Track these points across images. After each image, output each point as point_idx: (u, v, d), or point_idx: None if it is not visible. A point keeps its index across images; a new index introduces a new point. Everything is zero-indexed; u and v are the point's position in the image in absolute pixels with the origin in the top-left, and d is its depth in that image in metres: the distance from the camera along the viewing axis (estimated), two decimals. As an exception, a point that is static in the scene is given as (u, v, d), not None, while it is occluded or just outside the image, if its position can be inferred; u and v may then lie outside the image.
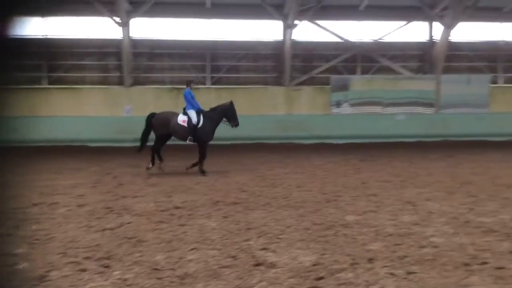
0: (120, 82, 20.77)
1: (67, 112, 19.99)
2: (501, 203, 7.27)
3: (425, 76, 22.05)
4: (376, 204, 7.32)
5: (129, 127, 18.42)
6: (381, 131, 21.16)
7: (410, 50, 22.44)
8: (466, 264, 4.23)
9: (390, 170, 11.87)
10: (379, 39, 21.82)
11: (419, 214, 6.50)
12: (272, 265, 4.28)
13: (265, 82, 21.92)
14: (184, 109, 11.43)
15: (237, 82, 21.71)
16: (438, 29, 21.54)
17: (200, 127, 11.19)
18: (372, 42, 21.87)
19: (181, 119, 11.26)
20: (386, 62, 21.89)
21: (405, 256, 4.50)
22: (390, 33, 21.81)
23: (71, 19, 20.64)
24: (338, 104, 21.69)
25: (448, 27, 20.59)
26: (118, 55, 20.69)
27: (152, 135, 11.60)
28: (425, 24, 22.08)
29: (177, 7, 20.48)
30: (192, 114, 11.24)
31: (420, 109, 22.00)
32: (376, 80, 21.88)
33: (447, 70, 22.19)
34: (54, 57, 20.59)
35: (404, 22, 21.76)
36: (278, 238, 5.25)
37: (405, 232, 5.50)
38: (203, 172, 10.99)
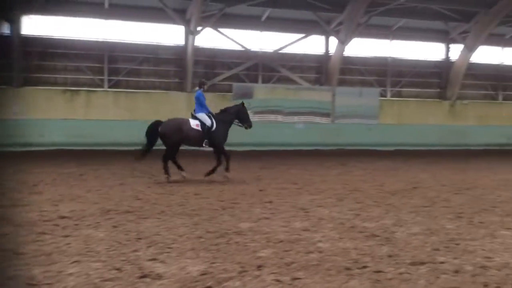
0: (9, 82, 19.16)
1: None
2: (385, 209, 7.77)
3: (322, 87, 23.09)
4: (271, 211, 7.45)
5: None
6: (282, 139, 21.76)
7: (308, 62, 23.40)
8: (348, 269, 4.43)
9: (288, 177, 12.20)
10: (280, 49, 22.47)
11: (310, 220, 6.73)
12: (159, 277, 4.16)
13: (167, 88, 21.52)
14: (193, 112, 11.03)
15: (137, 86, 21.06)
16: (333, 43, 22.69)
17: (214, 130, 10.85)
18: (273, 52, 22.45)
19: (194, 123, 10.80)
20: (286, 72, 22.59)
21: (293, 262, 4.61)
22: (290, 44, 22.55)
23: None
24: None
25: (343, 42, 21.79)
26: (6, 53, 19.09)
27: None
28: (322, 38, 23.15)
29: (73, 6, 19.43)
30: (204, 117, 10.87)
31: (317, 119, 22.97)
32: (278, 89, 22.48)
33: (341, 82, 23.44)
34: None
35: (303, 35, 22.63)
36: (169, 247, 5.13)
37: (295, 238, 5.65)
38: (227, 173, 10.98)
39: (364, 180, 11.88)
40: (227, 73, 21.87)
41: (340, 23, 21.84)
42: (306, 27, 22.46)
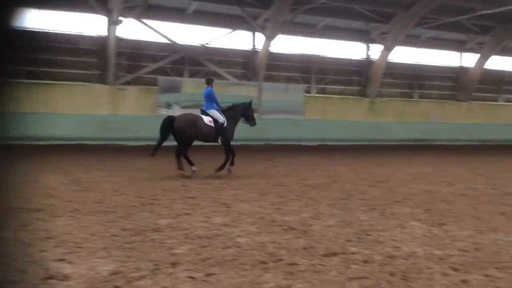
0: None
1: None
2: (305, 202, 7.92)
3: (249, 83, 23.22)
4: (193, 206, 7.34)
5: None
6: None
7: (235, 57, 23.46)
8: (263, 262, 4.45)
9: (211, 172, 12.11)
10: (206, 44, 22.30)
11: (231, 215, 6.70)
12: (66, 278, 3.93)
13: (88, 80, 20.64)
14: (202, 109, 11.24)
15: (55, 77, 20.00)
16: (260, 39, 22.88)
17: (226, 126, 11.12)
18: (199, 46, 22.24)
19: (207, 119, 10.98)
20: (212, 67, 22.47)
21: (208, 258, 4.55)
22: (216, 39, 22.45)
23: None
24: (168, 106, 21.52)
25: (269, 38, 22.04)
26: None
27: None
28: (249, 34, 23.27)
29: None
30: (217, 114, 11.10)
31: (244, 114, 23.08)
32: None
33: (268, 78, 23.74)
34: None
35: (230, 30, 22.62)
36: (79, 247, 4.87)
37: (214, 233, 5.59)
38: (231, 166, 11.27)
39: (288, 174, 12.08)
40: (152, 66, 21.37)
41: (266, 20, 22.06)
42: (233, 22, 22.47)
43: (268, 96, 23.34)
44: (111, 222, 6.09)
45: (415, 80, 27.89)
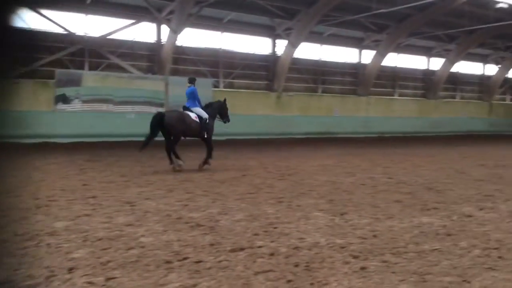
0: None
1: None
2: (213, 197, 7.85)
3: (155, 76, 22.61)
4: (93, 207, 6.97)
5: None
6: (112, 129, 20.78)
7: (140, 50, 22.71)
8: (168, 262, 4.31)
9: (116, 170, 11.67)
10: (108, 35, 21.33)
11: (135, 214, 6.45)
12: None
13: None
14: (185, 106, 11.78)
15: None
16: (166, 32, 22.35)
17: (208, 122, 11.75)
18: (100, 37, 21.22)
19: (193, 116, 11.57)
20: (115, 60, 21.58)
21: (110, 261, 4.32)
22: (118, 30, 21.57)
23: None
24: (66, 100, 20.30)
25: (174, 31, 21.60)
26: None
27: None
28: (154, 26, 22.65)
29: None
30: (201, 111, 11.75)
31: (150, 108, 22.41)
32: (109, 77, 21.32)
33: (174, 72, 23.29)
34: None
35: (132, 21, 21.84)
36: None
37: (116, 234, 5.33)
38: (208, 164, 11.90)
39: (195, 169, 11.93)
40: (49, 58, 20.00)
41: (171, 12, 21.58)
42: (136, 13, 21.72)
43: (175, 90, 22.86)
44: (1, 228, 5.56)
45: (318, 76, 28.96)
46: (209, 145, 12.08)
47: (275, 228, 5.69)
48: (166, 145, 11.48)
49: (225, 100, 12.76)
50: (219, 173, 11.27)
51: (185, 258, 4.42)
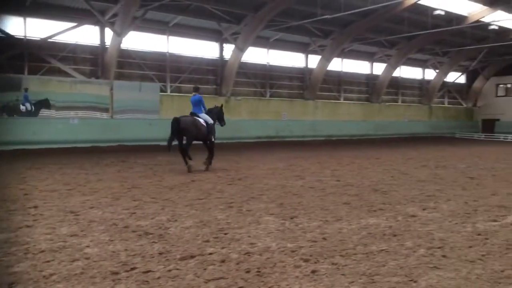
0: None
1: None
2: (162, 204, 7.68)
3: (99, 81, 21.96)
4: (35, 217, 6.63)
5: None
6: (54, 135, 19.99)
7: (82, 53, 21.99)
8: (115, 273, 4.16)
9: (59, 178, 11.21)
10: (49, 38, 20.51)
11: (80, 224, 6.20)
12: None
13: None
14: (192, 113, 12.78)
15: None
16: (110, 35, 21.77)
17: (212, 127, 12.96)
18: (40, 40, 20.37)
19: (202, 121, 12.68)
20: (57, 63, 20.79)
21: (53, 274, 4.11)
22: (60, 33, 20.79)
23: None
24: (6, 107, 19.35)
25: (118, 34, 21.06)
26: None
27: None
28: (97, 29, 22.02)
29: None
30: (207, 117, 12.92)
31: (95, 114, 21.77)
32: (51, 81, 20.47)
33: (119, 76, 22.74)
34: None
35: (74, 24, 21.12)
36: None
37: (59, 246, 5.10)
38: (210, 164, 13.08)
39: (144, 176, 11.69)
40: (-15, 62, 19.00)
41: (115, 15, 21.05)
42: (78, 15, 21.04)
43: (121, 95, 22.34)
44: None
45: (266, 80, 29.18)
46: (212, 148, 13.27)
47: (225, 234, 5.64)
48: (180, 147, 12.59)
49: (222, 106, 14.05)
50: (167, 179, 11.07)
51: (132, 269, 4.28)
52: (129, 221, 6.41)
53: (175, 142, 12.55)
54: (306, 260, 4.55)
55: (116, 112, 22.28)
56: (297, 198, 8.29)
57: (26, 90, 14.82)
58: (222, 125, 13.97)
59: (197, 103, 13.01)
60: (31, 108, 19.91)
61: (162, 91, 24.24)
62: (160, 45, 24.53)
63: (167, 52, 24.67)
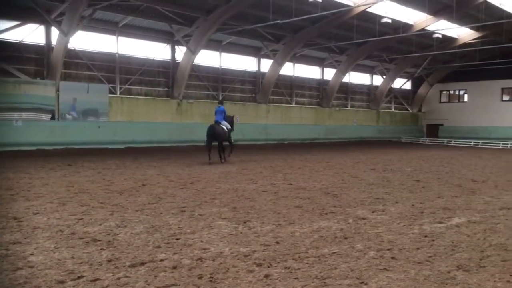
0: None
1: None
2: (111, 210, 7.46)
3: (45, 81, 21.11)
4: (-26, 225, 6.27)
5: None
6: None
7: (27, 53, 21.05)
8: (61, 282, 3.98)
9: (1, 182, 10.68)
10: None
11: (23, 231, 5.91)
12: None
13: None
14: (217, 121, 16.82)
15: None
16: (56, 34, 20.97)
17: (230, 131, 17.23)
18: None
19: (225, 128, 16.82)
20: (0, 63, 19.81)
21: (-8, 286, 3.88)
22: (3, 32, 19.85)
23: None
24: None
25: (65, 34, 20.33)
26: None
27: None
28: (42, 28, 21.18)
29: None
30: (226, 124, 17.02)
31: (40, 116, 20.90)
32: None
33: (67, 77, 21.97)
34: None
35: (17, 22, 20.21)
36: None
37: (1, 254, 4.84)
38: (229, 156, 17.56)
39: (92, 180, 11.33)
40: None
41: (62, 13, 20.33)
42: (23, 14, 20.14)
43: (68, 96, 21.59)
44: None
45: (219, 83, 29.06)
46: (231, 145, 17.70)
47: (177, 239, 5.54)
48: (208, 146, 16.64)
49: (233, 116, 18.51)
50: (117, 183, 10.79)
51: (80, 277, 4.12)
52: (76, 227, 6.18)
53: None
54: (259, 265, 4.54)
55: (63, 114, 21.51)
56: (250, 202, 8.28)
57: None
58: (231, 130, 17.44)
59: (221, 113, 17.01)
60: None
61: (111, 92, 23.62)
62: (110, 45, 23.90)
63: (117, 53, 24.08)
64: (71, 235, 5.74)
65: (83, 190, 9.62)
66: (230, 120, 17.47)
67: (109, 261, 4.63)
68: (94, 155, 19.06)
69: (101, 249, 5.08)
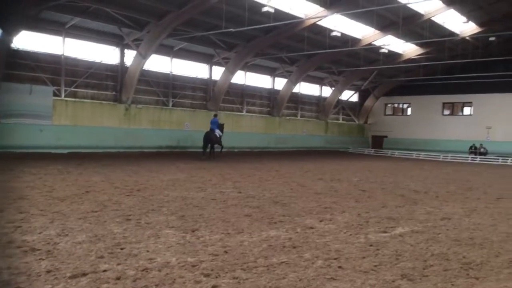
0: None
1: None
2: (51, 217, 7.13)
3: (-16, 81, 20.04)
4: None
5: None
6: None
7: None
8: (-6, 296, 3.73)
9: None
10: None
11: (-47, 240, 5.51)
12: None
13: None
14: (211, 129, 22.75)
15: None
16: (-2, 33, 20.00)
17: (221, 137, 23.17)
18: None
19: (217, 134, 22.72)
20: None
21: None
22: None
23: None
24: None
25: (8, 33, 19.43)
26: None
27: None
28: (-15, 26, 20.16)
29: None
30: (218, 131, 22.87)
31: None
32: None
33: (8, 77, 20.96)
34: None
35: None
36: None
37: None
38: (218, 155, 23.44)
39: (32, 186, 10.79)
40: None
41: (8, 13, 19.41)
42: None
43: (9, 97, 20.59)
44: None
45: (169, 89, 28.67)
46: (221, 147, 23.37)
47: (122, 249, 5.35)
48: (204, 150, 22.57)
49: (223, 124, 23.93)
50: (59, 189, 10.34)
51: (15, 289, 3.88)
52: (14, 235, 5.85)
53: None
54: (207, 275, 4.46)
55: (3, 117, 20.48)
56: (198, 210, 8.16)
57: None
58: (221, 135, 23.03)
59: (215, 123, 23.01)
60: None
61: (56, 95, 22.76)
62: (55, 47, 23.06)
63: (63, 54, 23.25)
64: (8, 244, 5.42)
65: (22, 196, 9.14)
66: (221, 128, 23.30)
67: (48, 271, 4.40)
68: (36, 160, 18.24)
69: (40, 259, 4.82)
